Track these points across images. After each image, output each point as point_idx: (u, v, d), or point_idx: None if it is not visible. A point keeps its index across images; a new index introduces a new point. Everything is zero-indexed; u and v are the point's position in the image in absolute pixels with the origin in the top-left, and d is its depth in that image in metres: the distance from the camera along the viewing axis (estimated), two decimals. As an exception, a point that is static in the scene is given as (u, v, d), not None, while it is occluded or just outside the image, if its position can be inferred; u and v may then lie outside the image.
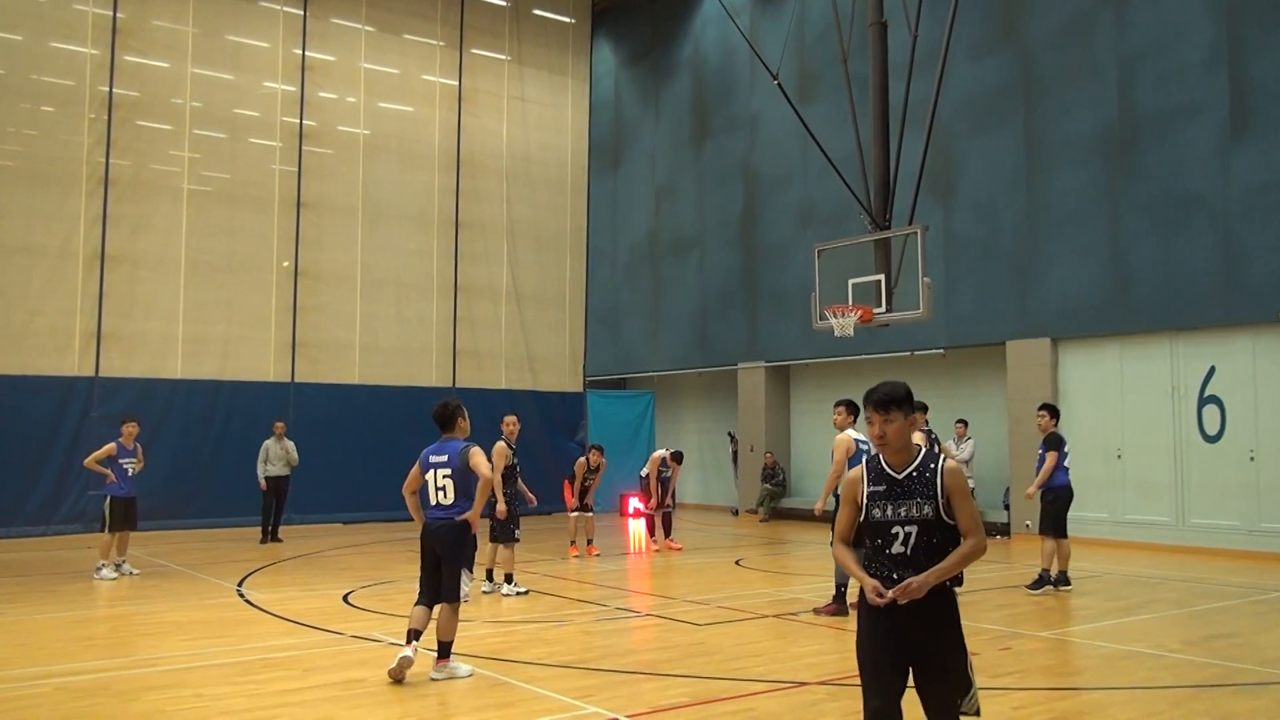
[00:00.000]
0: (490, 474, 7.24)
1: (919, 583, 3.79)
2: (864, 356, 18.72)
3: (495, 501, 10.87)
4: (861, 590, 4.02)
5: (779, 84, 15.36)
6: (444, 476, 7.26)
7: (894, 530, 3.95)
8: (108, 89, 18.32)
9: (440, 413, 7.51)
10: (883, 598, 3.86)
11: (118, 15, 18.49)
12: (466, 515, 7.22)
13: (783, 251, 20.84)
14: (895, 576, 3.89)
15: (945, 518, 3.92)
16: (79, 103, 18.07)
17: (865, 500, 4.04)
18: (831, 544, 4.52)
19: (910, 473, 4.00)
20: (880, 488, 4.02)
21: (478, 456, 7.25)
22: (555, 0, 24.25)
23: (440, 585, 7.25)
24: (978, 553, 3.93)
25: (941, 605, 3.91)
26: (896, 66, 14.11)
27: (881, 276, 13.56)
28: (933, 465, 4.00)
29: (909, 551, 3.92)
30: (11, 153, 17.49)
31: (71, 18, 18.14)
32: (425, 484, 7.35)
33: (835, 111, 17.69)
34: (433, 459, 7.35)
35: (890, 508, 3.97)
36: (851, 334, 13.77)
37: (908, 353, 18.39)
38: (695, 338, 23.14)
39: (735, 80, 22.35)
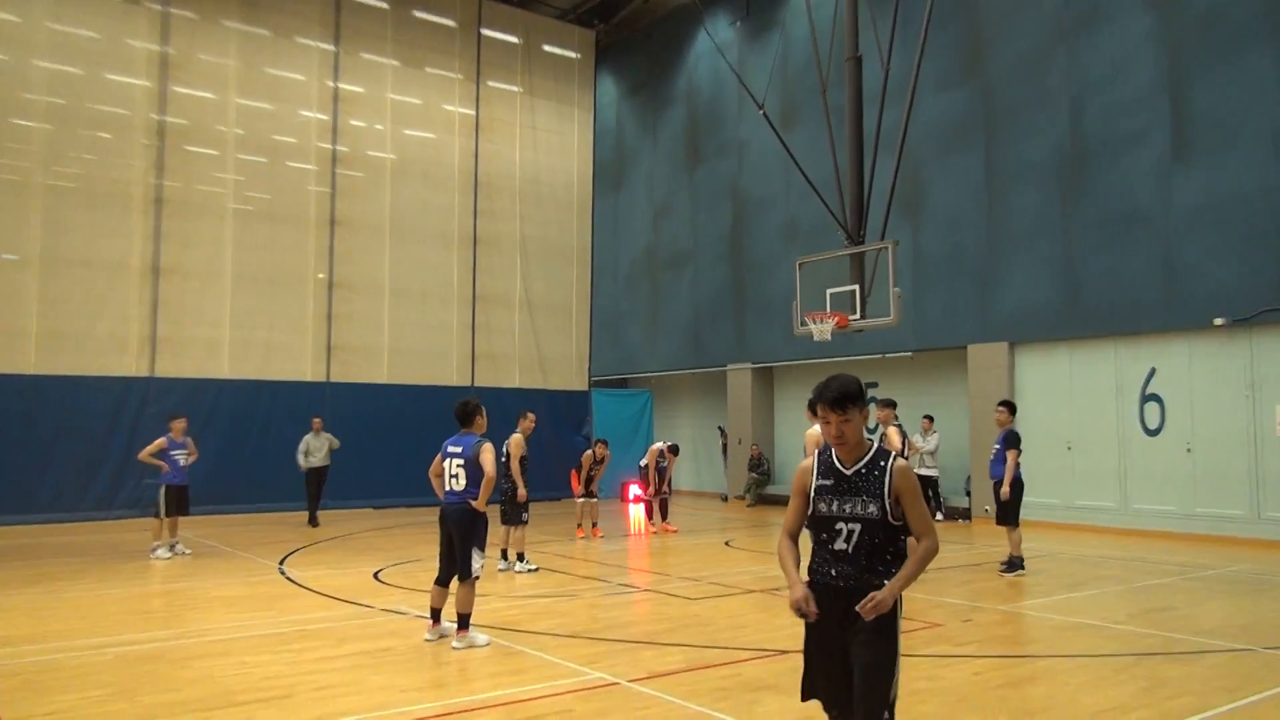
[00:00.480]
0: (493, 473, 7.29)
1: (884, 596, 3.40)
2: (841, 359, 18.75)
3: (516, 486, 11.03)
4: (809, 583, 3.63)
5: (764, 113, 15.40)
6: (457, 466, 7.35)
7: (837, 526, 3.57)
8: (159, 117, 18.36)
9: (461, 409, 7.60)
10: (805, 616, 3.52)
11: (168, 50, 18.54)
12: (473, 504, 7.28)
13: (768, 264, 20.87)
14: (834, 573, 3.56)
15: (891, 518, 3.53)
16: (133, 130, 18.11)
17: (813, 493, 3.65)
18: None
19: (859, 469, 3.59)
20: (828, 482, 3.63)
21: (487, 454, 7.31)
22: (563, 37, 24.31)
23: (457, 562, 7.33)
24: (932, 555, 3.55)
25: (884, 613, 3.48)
26: (870, 97, 14.15)
27: (856, 287, 13.58)
28: (883, 463, 3.58)
29: (850, 549, 3.54)
30: (73, 175, 17.53)
31: (125, 52, 18.19)
32: (443, 470, 7.44)
33: (815, 137, 17.72)
34: (450, 449, 7.45)
35: (836, 503, 3.58)
36: (829, 338, 13.79)
37: (879, 355, 18.44)
38: (689, 342, 23.17)
39: (725, 110, 22.39)
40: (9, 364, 16.72)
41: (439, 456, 7.53)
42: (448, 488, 7.40)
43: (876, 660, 3.47)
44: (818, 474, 3.67)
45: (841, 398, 3.58)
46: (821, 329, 13.63)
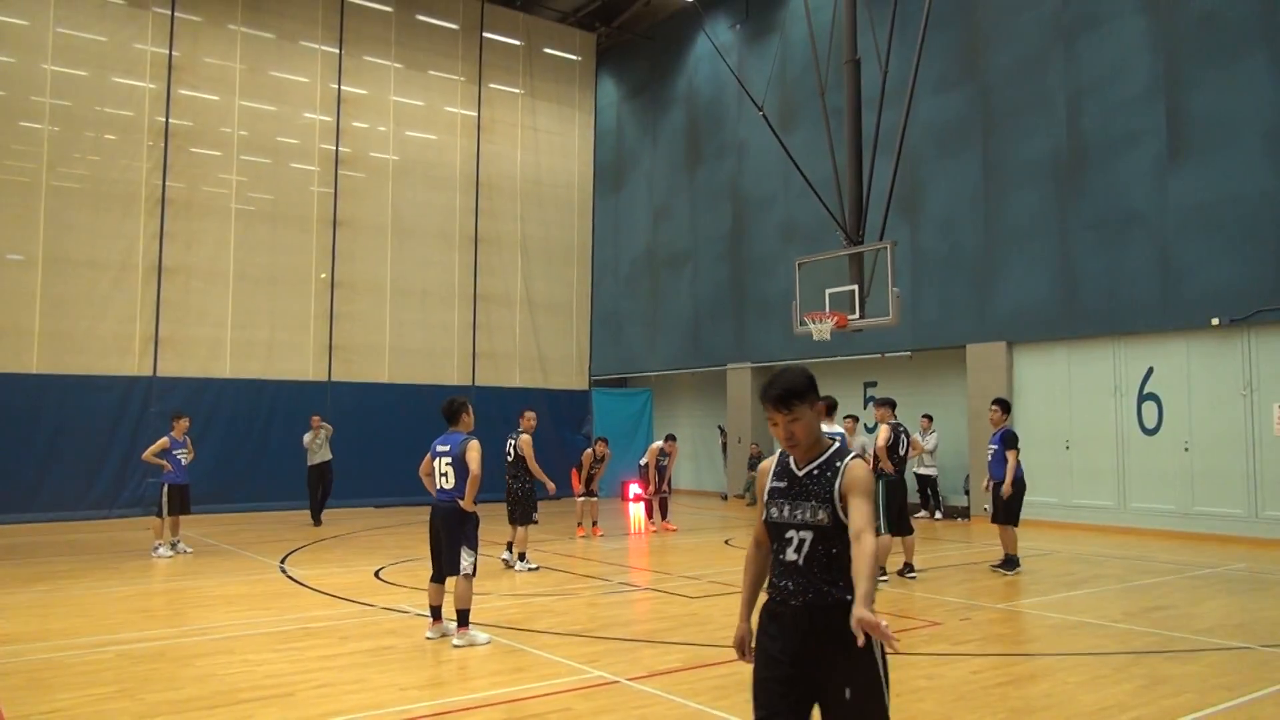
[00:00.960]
0: (478, 471, 7.21)
1: (865, 614, 2.74)
2: (839, 358, 18.72)
3: (528, 486, 11.12)
4: (766, 599, 3.22)
5: (764, 115, 15.38)
6: (446, 464, 7.33)
7: (788, 534, 3.13)
8: (164, 119, 18.35)
9: (447, 408, 7.56)
10: (741, 654, 3.22)
11: (173, 53, 18.53)
12: (460, 503, 7.23)
13: (767, 264, 20.84)
14: (790, 587, 3.09)
15: (844, 523, 3.07)
16: (138, 131, 18.11)
17: (765, 497, 3.24)
18: None
19: (811, 470, 3.16)
20: (781, 484, 3.20)
21: (473, 452, 7.26)
22: (564, 40, 24.30)
23: (449, 561, 7.30)
24: (873, 553, 2.95)
25: (845, 629, 2.87)
26: (869, 99, 14.12)
27: (855, 287, 13.56)
28: (837, 464, 3.14)
29: (801, 561, 3.09)
30: (79, 176, 17.53)
31: (132, 55, 18.18)
32: (434, 469, 7.41)
33: (814, 139, 17.69)
34: (439, 448, 7.43)
35: (787, 508, 3.15)
36: (829, 338, 13.77)
37: (878, 355, 18.40)
38: (689, 341, 23.14)
39: (724, 111, 22.35)
40: (13, 363, 16.70)
41: (428, 456, 7.51)
42: (439, 486, 7.38)
43: (859, 691, 2.98)
44: (773, 475, 3.25)
45: (787, 394, 3.15)
46: (821, 329, 13.61)
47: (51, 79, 17.35)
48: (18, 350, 16.79)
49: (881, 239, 13.70)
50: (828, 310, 13.79)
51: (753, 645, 3.24)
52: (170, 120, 18.38)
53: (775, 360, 20.91)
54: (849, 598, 2.99)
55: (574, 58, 24.47)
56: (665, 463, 16.26)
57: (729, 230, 22.10)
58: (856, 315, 13.54)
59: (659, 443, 16.72)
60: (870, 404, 17.95)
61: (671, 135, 24.01)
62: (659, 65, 24.44)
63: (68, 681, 6.15)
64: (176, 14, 18.56)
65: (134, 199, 17.96)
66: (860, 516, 3.01)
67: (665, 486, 16.24)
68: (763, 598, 3.31)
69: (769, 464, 3.30)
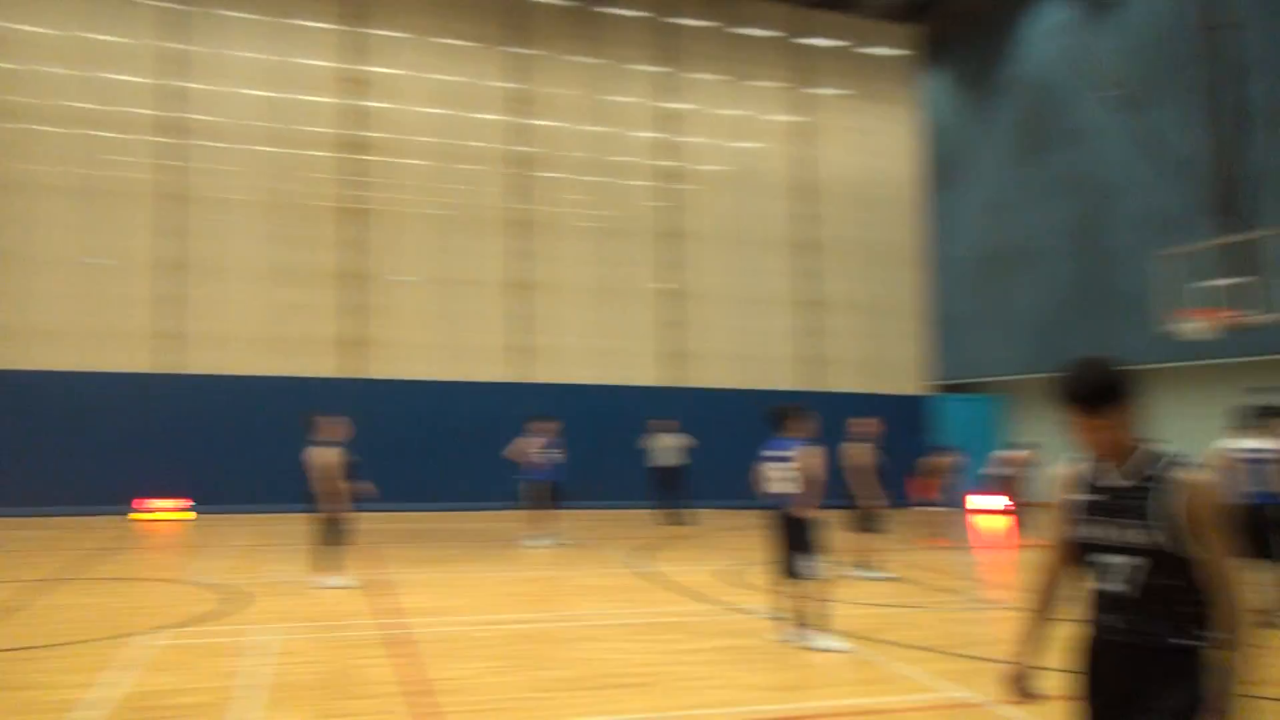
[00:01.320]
0: (814, 476, 7.22)
1: None
2: (1218, 361, 16.42)
3: (870, 496, 10.98)
4: (1087, 635, 2.69)
5: (1115, 95, 13.95)
6: (778, 469, 7.42)
7: (1107, 559, 2.56)
8: (515, 148, 20.44)
9: (774, 414, 7.69)
10: (1018, 694, 2.80)
11: (523, 87, 20.61)
12: (796, 509, 7.25)
13: (1123, 257, 18.82)
14: (1115, 623, 2.56)
15: (1186, 550, 2.46)
16: (494, 161, 20.36)
17: (1073, 512, 2.68)
18: None
19: (1134, 481, 2.56)
20: (1095, 497, 2.62)
21: (809, 458, 7.29)
22: (885, 36, 23.74)
23: (789, 566, 7.35)
24: (1243, 618, 2.38)
25: (1183, 678, 2.42)
26: (1238, 67, 12.30)
27: (1238, 279, 11.91)
28: (1171, 474, 2.52)
29: (1127, 591, 2.52)
30: (449, 204, 20.04)
31: (487, 93, 20.57)
32: (766, 474, 7.52)
33: (1171, 116, 15.71)
34: (769, 453, 7.53)
35: (1107, 528, 2.56)
36: (1207, 337, 12.20)
37: (1270, 356, 15.92)
38: (1037, 344, 21.47)
39: (1064, 95, 20.52)
40: (411, 371, 19.45)
41: (760, 462, 7.61)
42: (772, 491, 7.49)
43: None
44: (1080, 485, 2.68)
45: (1101, 392, 2.55)
46: (1198, 327, 12.10)
47: (421, 120, 19.99)
48: (412, 359, 19.54)
49: (1266, 223, 11.89)
50: (1205, 306, 12.22)
51: (1030, 687, 2.85)
52: (519, 149, 20.41)
53: (1139, 364, 18.77)
54: (1187, 642, 2.48)
55: (896, 53, 23.80)
56: (1018, 472, 15.23)
57: (1077, 223, 20.28)
58: (1241, 311, 11.87)
59: (1010, 452, 15.69)
60: (1262, 415, 15.61)
61: (1006, 124, 22.50)
62: (988, 52, 23.03)
63: (468, 652, 6.98)
64: (519, 50, 20.58)
65: (494, 222, 20.19)
66: (1217, 564, 2.41)
67: (1024, 498, 15.21)
68: (1070, 629, 2.82)
69: (1071, 471, 2.73)
